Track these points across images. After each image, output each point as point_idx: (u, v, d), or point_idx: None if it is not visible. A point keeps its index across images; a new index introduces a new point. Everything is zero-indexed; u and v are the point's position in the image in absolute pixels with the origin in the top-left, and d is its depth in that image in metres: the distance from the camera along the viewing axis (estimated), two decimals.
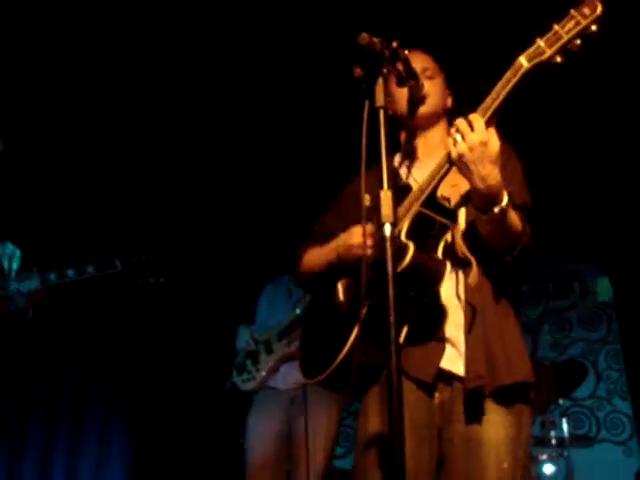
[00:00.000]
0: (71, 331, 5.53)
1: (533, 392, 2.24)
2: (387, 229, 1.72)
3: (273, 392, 4.31)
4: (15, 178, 3.32)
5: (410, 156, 2.51)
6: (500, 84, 2.00)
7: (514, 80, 1.97)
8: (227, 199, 5.55)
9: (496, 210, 2.00)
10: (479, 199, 2.04)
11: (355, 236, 2.20)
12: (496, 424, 2.12)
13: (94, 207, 5.28)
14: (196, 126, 5.07)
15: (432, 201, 2.15)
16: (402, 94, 2.40)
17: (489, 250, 2.16)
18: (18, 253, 3.71)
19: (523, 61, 1.97)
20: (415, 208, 2.13)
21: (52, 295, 3.61)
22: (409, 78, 2.26)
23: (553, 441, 4.86)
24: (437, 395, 2.20)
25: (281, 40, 4.38)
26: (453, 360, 2.18)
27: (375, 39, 1.92)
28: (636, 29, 4.14)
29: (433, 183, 2.11)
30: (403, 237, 2.07)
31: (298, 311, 4.30)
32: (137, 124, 4.95)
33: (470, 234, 2.19)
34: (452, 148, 2.00)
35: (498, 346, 2.16)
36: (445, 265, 2.12)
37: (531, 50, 1.97)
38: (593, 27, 1.90)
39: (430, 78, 2.44)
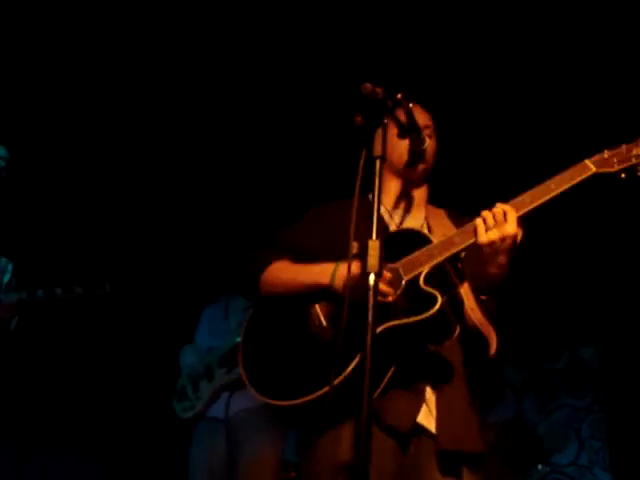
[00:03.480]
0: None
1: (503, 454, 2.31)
2: (371, 279, 1.73)
3: (214, 422, 4.18)
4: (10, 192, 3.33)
5: (404, 206, 2.53)
6: (555, 181, 2.11)
7: (576, 180, 2.08)
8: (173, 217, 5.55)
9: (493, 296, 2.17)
10: (486, 283, 2.15)
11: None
12: None
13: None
14: (151, 155, 5.12)
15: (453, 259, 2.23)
16: (403, 145, 2.44)
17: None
18: (10, 267, 3.72)
19: (591, 165, 2.09)
20: (436, 261, 2.17)
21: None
22: (411, 131, 2.30)
23: None
24: (409, 448, 2.19)
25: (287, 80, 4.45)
26: (426, 415, 2.20)
27: (378, 89, 1.95)
28: None
29: (453, 251, 2.17)
30: (422, 284, 2.12)
31: (238, 338, 4.18)
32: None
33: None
34: (482, 231, 2.08)
35: (467, 411, 2.24)
36: (457, 325, 2.18)
37: (597, 157, 2.10)
38: None
39: (430, 136, 2.49)
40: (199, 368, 4.31)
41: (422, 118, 2.46)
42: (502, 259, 2.08)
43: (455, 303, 2.20)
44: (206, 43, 4.37)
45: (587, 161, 2.10)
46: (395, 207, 2.53)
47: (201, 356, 4.37)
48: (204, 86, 4.67)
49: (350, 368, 2.08)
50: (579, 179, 2.08)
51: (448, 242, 2.17)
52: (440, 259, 2.15)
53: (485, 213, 2.10)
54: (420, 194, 2.54)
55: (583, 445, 6.32)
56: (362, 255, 1.79)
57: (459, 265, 2.24)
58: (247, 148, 5.08)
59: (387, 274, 2.08)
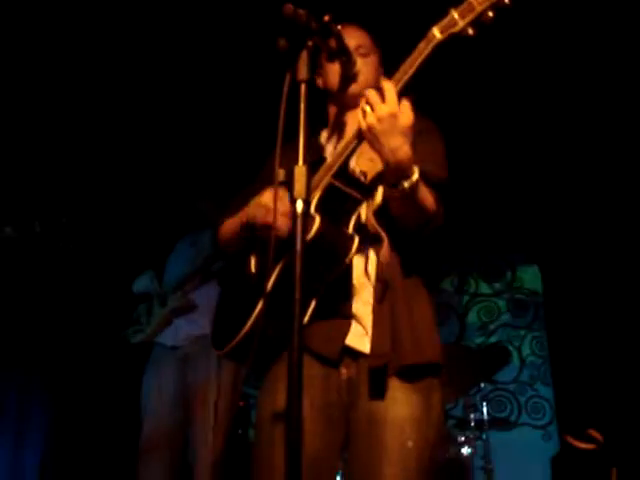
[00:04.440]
0: None
1: (445, 374, 2.22)
2: (299, 205, 1.69)
3: (165, 349, 4.16)
4: None
5: (338, 133, 2.47)
6: (412, 55, 1.97)
7: (426, 52, 1.94)
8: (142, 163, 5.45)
9: (406, 185, 1.97)
10: (389, 173, 2.01)
11: (265, 196, 2.16)
12: (400, 403, 2.10)
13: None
14: (108, 88, 4.97)
15: (346, 175, 2.13)
16: (333, 69, 2.37)
17: (400, 227, 2.14)
18: None
19: (436, 32, 1.93)
20: (326, 180, 2.10)
21: None
22: (340, 54, 2.24)
23: (472, 423, 4.91)
24: (344, 372, 2.17)
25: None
26: (359, 337, 2.16)
27: (300, 11, 1.88)
28: None
29: (344, 155, 2.09)
30: (312, 210, 2.03)
31: (196, 264, 4.15)
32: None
33: (386, 210, 2.16)
34: (361, 120, 1.97)
35: (406, 325, 2.14)
36: (353, 240, 2.08)
37: (445, 21, 1.93)
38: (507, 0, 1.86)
39: (364, 55, 2.40)
40: (153, 292, 4.30)
41: (355, 38, 2.38)
42: (391, 142, 1.92)
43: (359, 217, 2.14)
44: None
45: (434, 28, 1.94)
46: (331, 134, 2.48)
47: (161, 284, 4.34)
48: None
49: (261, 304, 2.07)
50: (427, 53, 1.93)
51: (336, 155, 2.12)
52: (328, 177, 2.09)
53: (362, 101, 1.98)
54: (356, 118, 2.47)
55: (524, 362, 6.50)
56: (289, 182, 1.75)
57: (361, 179, 2.17)
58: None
59: (285, 207, 1.99)
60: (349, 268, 2.16)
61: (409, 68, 1.96)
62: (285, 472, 1.53)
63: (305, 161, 1.73)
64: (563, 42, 4.53)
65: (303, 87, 1.83)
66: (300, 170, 1.72)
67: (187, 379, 4.10)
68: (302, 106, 1.81)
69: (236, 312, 2.24)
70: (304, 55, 1.87)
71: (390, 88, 1.94)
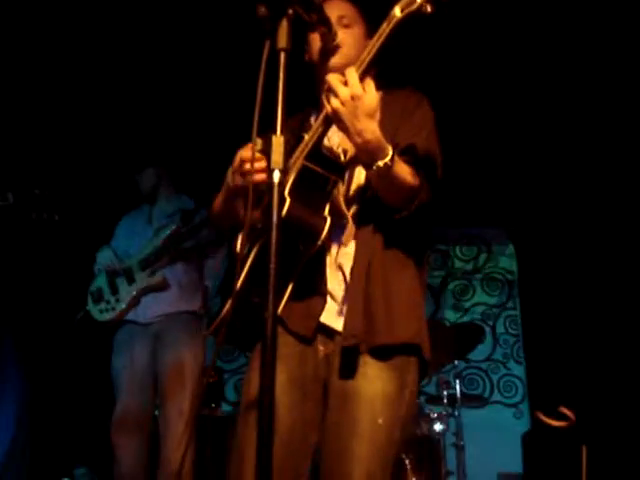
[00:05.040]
0: None
1: (424, 352, 2.17)
2: (276, 175, 1.66)
3: (135, 327, 4.15)
4: None
5: (319, 109, 2.45)
6: (375, 36, 1.96)
7: (387, 31, 1.93)
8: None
9: (380, 164, 1.95)
10: (360, 154, 2.00)
11: (245, 150, 2.12)
12: (372, 379, 2.09)
13: None
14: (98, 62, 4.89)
15: (320, 155, 2.10)
16: (315, 40, 2.34)
17: (384, 205, 2.12)
18: None
19: (397, 11, 1.92)
20: (300, 161, 2.08)
21: None
22: (320, 25, 2.20)
23: (445, 400, 4.95)
24: (321, 349, 2.17)
25: None
26: (333, 315, 2.15)
27: None
28: None
29: (315, 137, 2.07)
30: (286, 191, 2.00)
31: (159, 241, 4.13)
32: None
33: (365, 190, 2.16)
34: (326, 104, 1.95)
35: (381, 305, 2.12)
36: (325, 220, 2.06)
37: (405, 0, 1.92)
38: None
39: (347, 26, 2.34)
40: (115, 268, 4.23)
41: (336, 9, 2.33)
42: (356, 124, 1.90)
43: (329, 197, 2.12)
44: None
45: (395, 6, 1.92)
46: (313, 110, 2.45)
47: (119, 258, 4.29)
48: None
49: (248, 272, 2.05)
50: (388, 31, 1.92)
51: (309, 137, 2.09)
52: (301, 158, 2.08)
53: (325, 86, 1.97)
54: None
55: (498, 341, 6.55)
56: (266, 151, 1.72)
57: (339, 159, 2.15)
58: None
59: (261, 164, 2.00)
60: (325, 249, 2.15)
61: (372, 48, 1.95)
62: (257, 442, 1.51)
63: (282, 131, 1.70)
64: (547, 24, 4.52)
65: (282, 55, 1.79)
66: (277, 140, 1.68)
67: (158, 356, 4.09)
68: (281, 75, 1.77)
69: (227, 292, 2.23)
70: (284, 23, 1.83)
71: (352, 70, 1.93)
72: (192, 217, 4.10)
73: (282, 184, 1.66)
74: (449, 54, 4.72)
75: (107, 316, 4.18)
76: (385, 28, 1.93)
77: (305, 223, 2.05)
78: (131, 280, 4.17)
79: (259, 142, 1.79)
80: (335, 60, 2.30)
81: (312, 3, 2.04)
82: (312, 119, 2.42)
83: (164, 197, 4.43)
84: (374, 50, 1.94)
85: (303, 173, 2.09)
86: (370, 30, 2.43)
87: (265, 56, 1.78)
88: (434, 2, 1.89)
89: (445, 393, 5.00)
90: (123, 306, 4.14)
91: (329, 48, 2.29)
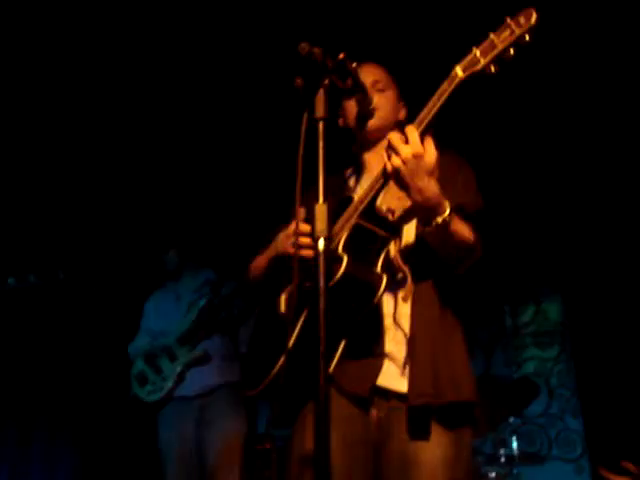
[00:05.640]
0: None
1: (477, 412, 2.19)
2: (320, 243, 1.68)
3: (181, 403, 4.19)
4: None
5: (360, 169, 2.50)
6: (436, 95, 1.98)
7: (449, 90, 1.95)
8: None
9: (439, 220, 1.98)
10: (420, 211, 2.04)
11: (290, 227, 2.16)
12: (435, 444, 2.09)
13: None
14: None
15: (372, 214, 2.13)
16: (351, 107, 2.40)
17: (441, 262, 2.15)
18: None
19: (458, 71, 1.95)
20: (353, 220, 2.11)
21: None
22: (356, 91, 2.25)
23: (502, 459, 4.84)
24: (374, 411, 2.15)
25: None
26: (393, 376, 2.14)
27: (316, 49, 1.89)
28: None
29: (370, 195, 2.09)
30: (340, 249, 2.04)
31: (194, 315, 4.20)
32: None
33: (418, 247, 2.18)
34: (387, 162, 1.98)
35: (444, 363, 2.14)
36: (382, 279, 2.08)
37: (467, 59, 1.95)
38: (527, 37, 1.85)
39: (381, 91, 2.43)
40: (154, 350, 4.28)
41: (370, 75, 2.41)
42: (418, 182, 1.93)
43: (386, 257, 2.14)
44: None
45: (457, 67, 1.96)
46: (354, 172, 2.51)
47: (155, 338, 4.35)
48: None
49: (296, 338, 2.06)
50: (450, 90, 1.94)
51: (363, 195, 2.12)
52: (355, 217, 2.10)
53: (385, 145, 2.01)
54: (377, 154, 2.43)
55: (553, 394, 6.41)
56: (310, 220, 1.74)
57: (388, 217, 2.17)
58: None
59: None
60: (379, 307, 2.16)
61: (432, 107, 1.98)
62: None
63: (325, 199, 1.73)
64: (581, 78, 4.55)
65: (321, 125, 1.83)
66: (320, 208, 1.71)
67: (204, 432, 4.13)
68: (321, 144, 1.81)
69: (267, 353, 2.24)
70: (321, 93, 1.88)
71: (412, 130, 1.96)
72: (220, 288, 4.17)
73: (327, 252, 1.68)
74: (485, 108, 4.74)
75: (156, 396, 4.22)
76: (447, 88, 1.96)
77: (361, 281, 2.07)
78: (173, 358, 4.23)
79: (302, 211, 1.81)
80: (373, 123, 2.38)
81: (347, 70, 2.09)
82: (351, 180, 2.49)
83: (189, 273, 4.53)
84: (435, 109, 1.97)
85: (356, 231, 2.12)
86: (400, 92, 2.54)
87: (304, 127, 1.82)
88: (498, 63, 1.91)
89: (502, 452, 4.90)
90: (170, 384, 4.19)
91: (366, 112, 2.35)
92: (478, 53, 1.92)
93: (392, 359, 2.16)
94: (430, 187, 1.96)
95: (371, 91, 2.34)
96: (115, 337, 4.94)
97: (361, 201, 2.12)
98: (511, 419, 5.10)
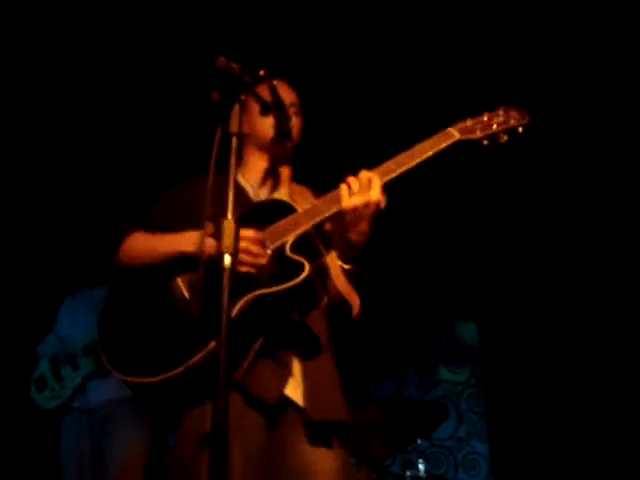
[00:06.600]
0: None
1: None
2: (227, 259, 1.67)
3: (78, 414, 4.08)
4: None
5: (272, 181, 2.49)
6: (419, 148, 2.14)
7: (440, 147, 2.13)
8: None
9: (357, 265, 2.16)
10: (351, 250, 2.15)
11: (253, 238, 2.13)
12: (330, 456, 2.13)
13: None
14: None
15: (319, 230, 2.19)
16: (265, 121, 2.40)
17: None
18: None
19: (455, 132, 2.16)
20: (302, 229, 2.11)
21: None
22: (276, 108, 2.27)
23: None
24: (277, 422, 2.15)
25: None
26: (294, 389, 2.15)
27: (234, 64, 1.89)
28: None
29: (318, 219, 2.12)
30: (288, 251, 2.08)
31: None
32: None
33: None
34: (345, 196, 2.07)
35: (334, 383, 2.24)
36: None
37: (461, 125, 2.19)
38: (520, 129, 2.17)
39: (296, 114, 2.48)
40: (60, 355, 4.17)
41: (288, 96, 2.44)
42: (364, 226, 2.08)
43: (321, 272, 2.18)
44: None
45: (451, 128, 2.17)
46: (261, 184, 2.48)
47: (63, 343, 4.22)
48: None
49: (211, 346, 1.95)
50: (444, 145, 2.13)
51: (313, 210, 2.15)
52: (306, 227, 2.11)
53: (350, 179, 2.11)
54: (285, 171, 2.49)
55: (461, 418, 6.50)
56: (217, 235, 1.73)
57: (326, 233, 2.22)
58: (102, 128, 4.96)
59: (256, 235, 2.05)
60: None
61: (416, 159, 2.14)
62: None
63: (233, 214, 1.71)
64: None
65: (234, 140, 1.82)
66: (229, 224, 1.70)
67: (105, 445, 4.02)
68: (233, 159, 1.80)
69: (157, 341, 2.10)
70: (237, 108, 1.87)
71: (377, 178, 2.09)
72: None
73: (233, 268, 1.66)
74: None
75: (53, 403, 4.10)
76: (440, 143, 2.16)
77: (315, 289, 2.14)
78: (75, 367, 4.11)
79: (210, 226, 1.80)
80: (289, 143, 2.42)
81: (269, 86, 2.12)
82: (242, 180, 2.45)
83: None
84: (410, 164, 2.13)
85: (301, 241, 2.14)
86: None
87: (216, 141, 1.81)
88: (492, 141, 2.20)
89: (409, 473, 4.91)
90: (68, 393, 4.08)
91: (283, 131, 2.37)
92: (471, 124, 2.20)
93: (292, 371, 2.18)
94: (368, 233, 2.11)
95: (290, 110, 2.40)
96: (20, 337, 4.80)
97: (311, 216, 2.13)
98: (419, 441, 5.12)
